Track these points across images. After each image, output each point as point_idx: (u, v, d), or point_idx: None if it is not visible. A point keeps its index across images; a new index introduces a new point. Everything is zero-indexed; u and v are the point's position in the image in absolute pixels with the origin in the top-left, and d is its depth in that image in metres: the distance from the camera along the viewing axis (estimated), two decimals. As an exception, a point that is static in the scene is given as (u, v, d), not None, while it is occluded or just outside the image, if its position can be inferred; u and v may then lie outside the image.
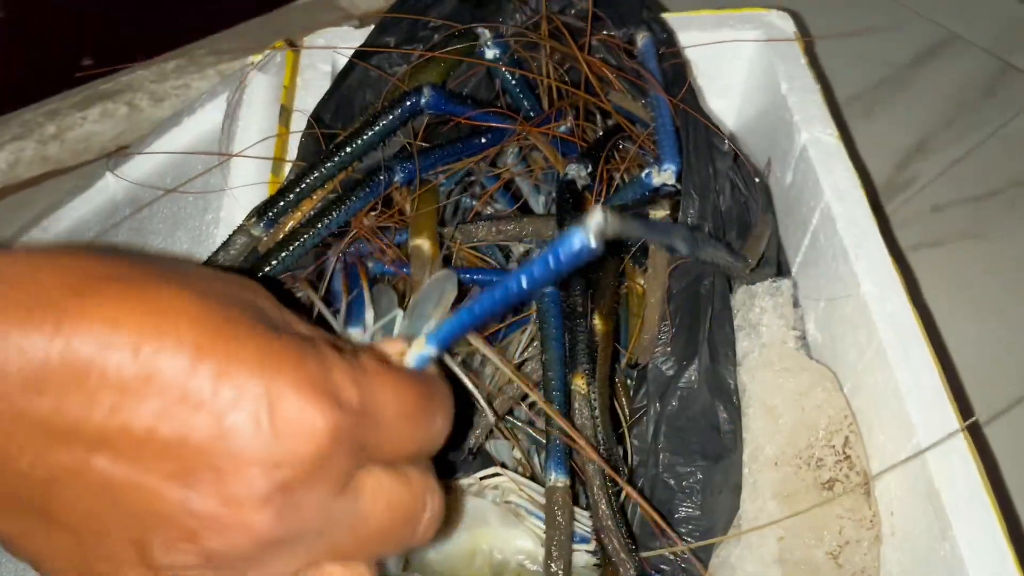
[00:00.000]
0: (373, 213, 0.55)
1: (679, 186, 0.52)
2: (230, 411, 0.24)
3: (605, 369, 0.47)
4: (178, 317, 0.24)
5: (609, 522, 0.44)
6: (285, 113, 0.62)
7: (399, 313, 0.47)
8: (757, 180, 0.63)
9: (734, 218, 0.55)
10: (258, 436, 0.24)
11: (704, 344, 0.49)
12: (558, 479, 0.43)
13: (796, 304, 0.59)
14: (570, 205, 0.50)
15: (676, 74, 0.56)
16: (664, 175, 0.51)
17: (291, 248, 0.49)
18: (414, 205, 0.54)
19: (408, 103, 0.53)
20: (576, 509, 0.45)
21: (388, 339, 0.34)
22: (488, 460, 0.53)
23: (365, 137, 0.53)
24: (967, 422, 0.44)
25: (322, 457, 0.25)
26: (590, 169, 0.51)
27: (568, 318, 0.47)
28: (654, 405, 0.48)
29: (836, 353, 0.54)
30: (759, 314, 0.53)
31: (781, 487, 0.48)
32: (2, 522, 0.25)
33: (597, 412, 0.46)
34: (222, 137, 0.62)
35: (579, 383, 0.46)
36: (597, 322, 0.48)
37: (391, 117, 0.53)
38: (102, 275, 0.24)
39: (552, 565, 0.43)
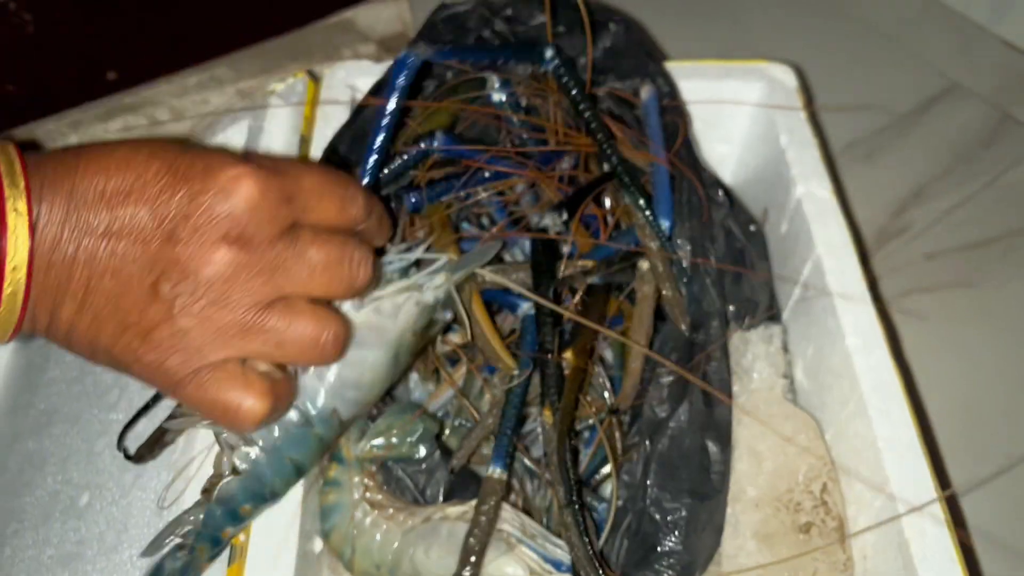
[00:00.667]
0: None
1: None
2: (185, 182, 0.37)
3: (570, 402, 0.50)
4: (147, 163, 0.37)
5: (579, 552, 0.47)
6: (304, 143, 0.64)
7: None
8: (753, 228, 0.65)
9: (728, 265, 0.58)
10: (207, 193, 0.36)
11: (697, 388, 0.51)
12: (495, 471, 0.49)
13: (786, 349, 0.62)
14: (543, 251, 0.53)
15: (676, 127, 0.58)
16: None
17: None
18: (432, 226, 0.57)
19: (419, 149, 0.56)
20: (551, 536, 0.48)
21: None
22: (474, 480, 0.56)
23: (381, 175, 0.56)
24: (945, 492, 0.46)
25: (254, 197, 0.37)
26: (565, 217, 0.54)
27: (541, 352, 0.51)
28: (644, 443, 0.51)
29: (822, 400, 0.57)
30: (751, 360, 0.55)
31: (761, 527, 0.51)
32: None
33: (554, 441, 0.49)
34: (242, 162, 0.65)
35: (547, 415, 0.49)
36: (568, 358, 0.51)
37: (403, 161, 0.56)
38: (89, 154, 0.38)
39: (471, 539, 0.47)
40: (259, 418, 0.39)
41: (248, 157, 0.38)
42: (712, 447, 0.50)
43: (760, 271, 0.60)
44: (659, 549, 0.49)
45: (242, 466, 0.46)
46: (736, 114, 0.70)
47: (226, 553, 0.47)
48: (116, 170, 0.36)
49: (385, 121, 0.54)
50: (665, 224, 0.53)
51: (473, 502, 0.51)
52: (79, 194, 0.36)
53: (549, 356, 0.50)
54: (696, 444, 0.50)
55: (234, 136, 0.68)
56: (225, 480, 0.47)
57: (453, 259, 0.52)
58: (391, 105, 0.54)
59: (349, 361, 0.47)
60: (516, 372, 0.51)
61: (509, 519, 0.51)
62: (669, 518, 0.48)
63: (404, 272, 0.50)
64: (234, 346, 0.38)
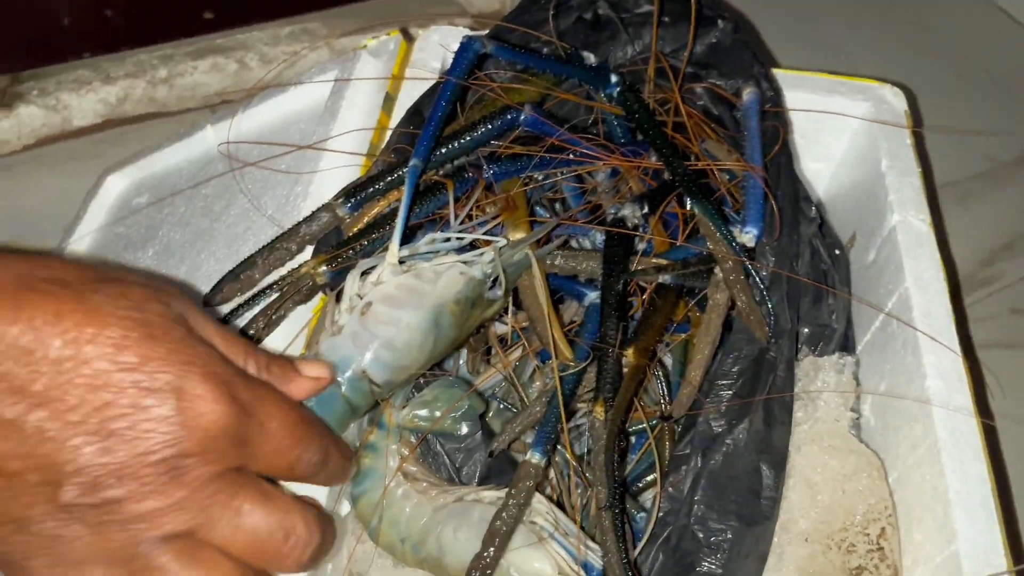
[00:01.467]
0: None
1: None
2: (145, 393, 0.31)
3: (624, 401, 0.47)
4: (106, 318, 0.31)
5: (613, 558, 0.44)
6: (389, 101, 0.63)
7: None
8: (838, 252, 0.62)
9: (810, 286, 0.55)
10: (164, 413, 0.31)
11: (759, 407, 0.49)
12: (533, 456, 0.46)
13: (856, 382, 0.58)
14: (617, 243, 0.50)
15: (775, 133, 0.55)
16: (744, 237, 0.51)
17: (371, 238, 0.50)
18: (507, 203, 0.55)
19: (507, 117, 0.54)
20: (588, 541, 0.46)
21: (313, 360, 0.43)
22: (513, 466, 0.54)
23: (461, 142, 0.54)
24: (1017, 568, 0.43)
25: (212, 435, 0.32)
26: (645, 211, 0.51)
27: (596, 347, 0.48)
28: (696, 458, 0.48)
29: (888, 440, 0.54)
30: (820, 388, 0.52)
31: (807, 564, 0.48)
32: None
33: (603, 439, 0.46)
34: (325, 113, 0.64)
35: (598, 411, 0.47)
36: (629, 355, 0.49)
37: (488, 128, 0.54)
38: (51, 278, 0.32)
39: (497, 522, 0.44)
40: None
41: (223, 370, 0.34)
42: (766, 471, 0.48)
43: (841, 297, 0.57)
44: (697, 569, 0.46)
45: None
46: (838, 132, 0.67)
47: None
48: (65, 341, 0.31)
49: (442, 103, 0.53)
50: (752, 232, 0.51)
51: (508, 489, 0.50)
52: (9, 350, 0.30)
53: (610, 349, 0.48)
54: (750, 465, 0.47)
55: (320, 87, 0.67)
56: None
57: (508, 241, 0.50)
58: (445, 91, 0.52)
59: (382, 318, 0.45)
60: (571, 361, 0.49)
61: (544, 512, 0.49)
62: (712, 539, 0.46)
63: (458, 252, 0.49)
64: (111, 572, 0.32)
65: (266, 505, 0.35)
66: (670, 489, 0.50)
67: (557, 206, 0.62)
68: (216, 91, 0.97)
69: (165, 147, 0.78)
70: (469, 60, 0.54)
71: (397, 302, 0.46)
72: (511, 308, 0.54)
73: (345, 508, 0.50)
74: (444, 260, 0.48)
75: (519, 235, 0.52)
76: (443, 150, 0.53)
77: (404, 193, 0.49)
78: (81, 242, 0.75)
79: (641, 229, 0.55)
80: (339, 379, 0.45)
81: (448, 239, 0.49)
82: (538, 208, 0.63)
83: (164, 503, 0.32)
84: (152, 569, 0.32)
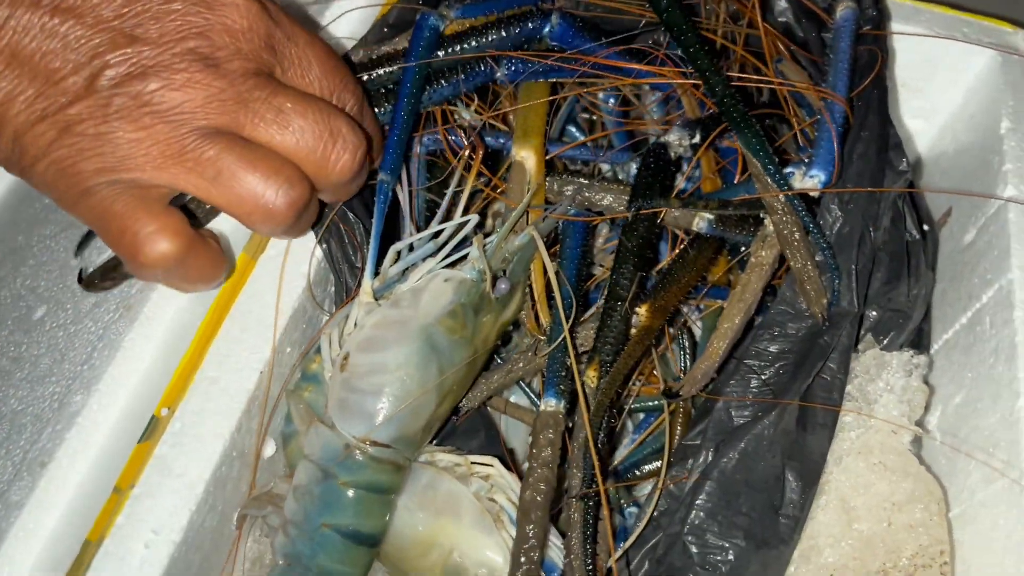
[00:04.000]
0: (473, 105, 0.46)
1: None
2: None
3: (625, 367, 0.38)
4: None
5: (576, 548, 0.35)
6: None
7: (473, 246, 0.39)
8: (926, 228, 0.50)
9: (885, 259, 0.43)
10: (192, 8, 0.32)
11: (797, 400, 0.38)
12: (548, 403, 0.38)
13: (928, 390, 0.47)
14: (651, 174, 0.40)
15: (871, 62, 0.44)
16: (808, 182, 0.40)
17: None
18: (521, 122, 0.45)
19: (529, 26, 0.44)
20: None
21: None
22: (493, 439, 0.44)
23: (465, 46, 0.44)
24: None
25: (243, 31, 0.32)
26: (696, 140, 0.41)
27: (609, 296, 0.38)
28: (706, 452, 0.38)
29: (954, 467, 0.43)
30: (881, 390, 0.41)
31: (827, 607, 0.37)
32: None
33: (600, 411, 0.37)
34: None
35: (590, 375, 0.38)
36: (641, 312, 0.38)
37: (503, 34, 0.44)
38: None
39: (527, 493, 0.36)
40: (159, 258, 0.32)
41: None
42: (792, 482, 0.37)
43: (924, 281, 0.46)
44: (683, 595, 0.36)
45: (279, 555, 0.37)
46: (949, 82, 0.55)
47: (142, 426, 0.37)
48: None
49: (405, 97, 0.42)
50: (819, 177, 0.40)
51: (472, 457, 0.40)
52: None
53: (618, 303, 0.38)
54: (772, 472, 0.37)
55: None
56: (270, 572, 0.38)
57: (480, 220, 0.41)
58: (407, 80, 0.42)
59: (363, 369, 0.37)
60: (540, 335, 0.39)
61: (508, 490, 0.39)
62: (709, 556, 0.36)
63: (434, 253, 0.40)
64: (164, 169, 0.31)
65: (309, 104, 0.33)
66: (671, 485, 0.40)
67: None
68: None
69: None
70: (427, 39, 0.43)
71: (377, 344, 0.37)
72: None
73: (270, 449, 0.41)
74: (420, 272, 0.39)
75: (526, 154, 0.42)
76: (455, 47, 0.43)
77: (375, 215, 0.39)
78: None
79: (685, 163, 0.44)
80: (325, 467, 0.36)
81: (413, 246, 0.39)
82: (571, 127, 0.52)
83: (202, 92, 0.31)
84: (203, 162, 0.31)
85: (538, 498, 0.35)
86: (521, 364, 0.41)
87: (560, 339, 0.39)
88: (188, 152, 0.31)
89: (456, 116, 0.46)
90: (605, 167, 0.49)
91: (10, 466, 0.40)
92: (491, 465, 0.40)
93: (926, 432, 0.44)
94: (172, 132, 0.31)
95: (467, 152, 0.44)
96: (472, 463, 0.40)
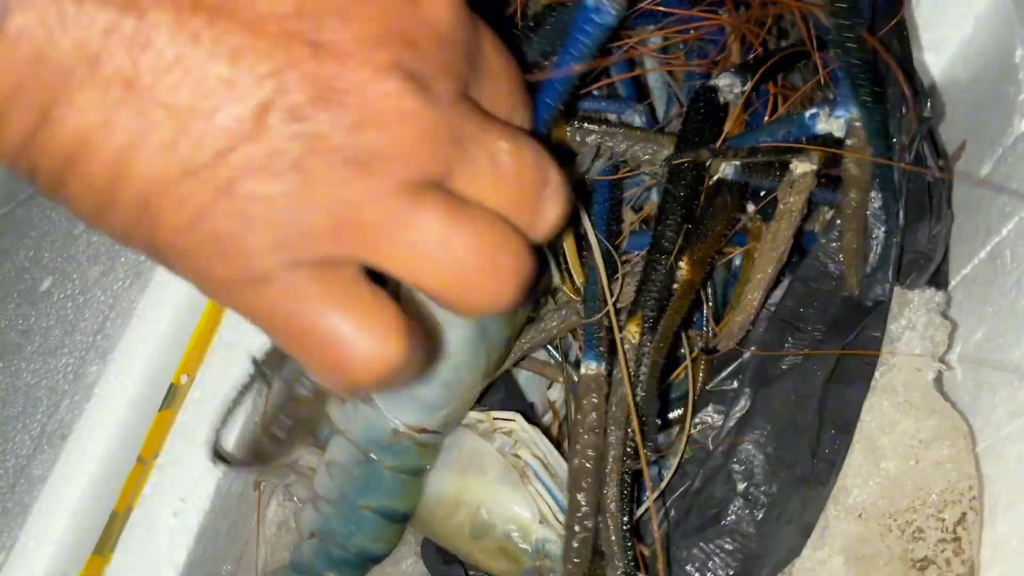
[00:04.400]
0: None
1: (846, 140, 0.40)
2: None
3: (672, 323, 0.37)
4: None
5: (612, 503, 0.35)
6: None
7: None
8: (941, 163, 0.50)
9: (907, 199, 0.43)
10: (392, 4, 0.22)
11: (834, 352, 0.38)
12: (588, 367, 0.37)
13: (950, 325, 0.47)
14: (702, 119, 0.39)
15: (890, 3, 0.43)
16: (833, 123, 0.39)
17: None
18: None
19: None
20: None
21: None
22: (513, 394, 0.44)
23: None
24: None
25: (448, 34, 0.23)
26: (744, 87, 0.40)
27: (652, 250, 0.38)
28: (745, 396, 0.38)
29: (978, 402, 0.42)
30: (903, 328, 0.41)
31: (857, 546, 0.37)
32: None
33: (644, 373, 0.36)
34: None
35: (632, 330, 0.37)
36: (683, 266, 0.38)
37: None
38: None
39: (575, 460, 0.35)
40: (382, 368, 0.22)
41: None
42: (829, 428, 0.37)
43: (944, 220, 0.45)
44: (722, 522, 0.36)
45: (308, 529, 0.37)
46: (960, 14, 0.54)
47: (161, 393, 0.36)
48: None
49: None
50: (843, 117, 0.39)
51: (494, 413, 0.40)
52: None
53: (663, 257, 0.37)
54: (809, 418, 0.37)
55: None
56: (299, 544, 0.37)
57: None
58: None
59: None
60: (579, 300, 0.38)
61: (532, 445, 0.39)
62: (752, 489, 0.36)
63: None
64: (361, 240, 0.22)
65: (521, 146, 0.24)
66: (695, 430, 0.40)
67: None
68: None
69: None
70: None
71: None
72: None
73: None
74: None
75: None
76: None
77: None
78: None
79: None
80: (378, 454, 0.36)
81: None
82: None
83: (413, 130, 0.21)
84: (414, 226, 0.22)
85: (587, 464, 0.35)
86: (554, 323, 0.40)
87: (603, 312, 0.38)
88: (394, 213, 0.22)
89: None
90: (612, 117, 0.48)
91: (28, 440, 0.40)
92: (513, 420, 0.39)
93: (949, 368, 0.43)
94: (372, 185, 0.21)
95: None
96: (494, 419, 0.40)
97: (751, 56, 0.43)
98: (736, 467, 0.36)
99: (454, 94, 0.23)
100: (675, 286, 0.37)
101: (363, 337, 0.22)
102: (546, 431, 0.41)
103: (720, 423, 0.40)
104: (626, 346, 0.36)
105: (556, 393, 0.47)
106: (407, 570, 0.41)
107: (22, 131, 0.20)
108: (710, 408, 0.41)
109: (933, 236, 0.44)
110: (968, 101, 0.54)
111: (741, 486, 0.36)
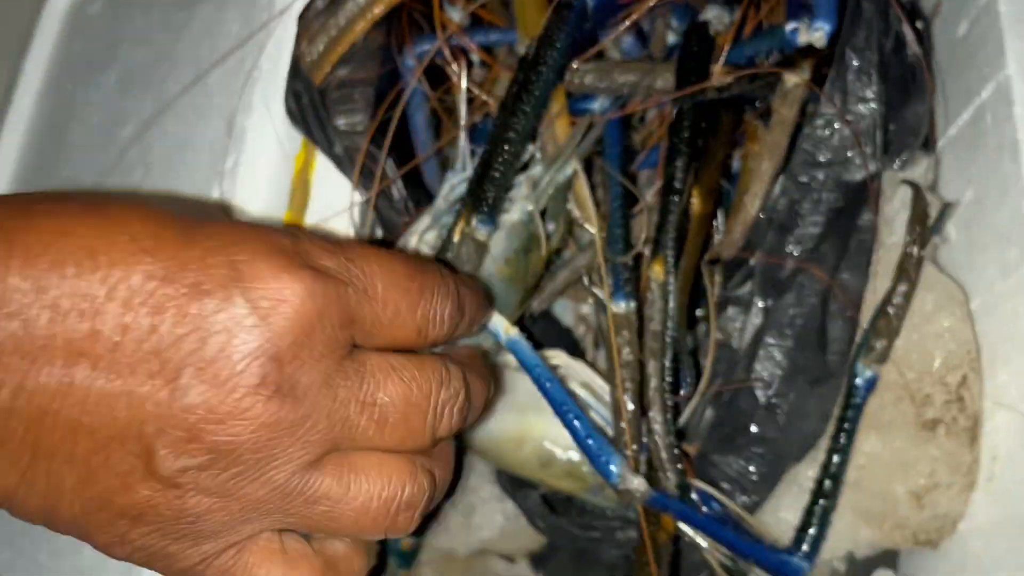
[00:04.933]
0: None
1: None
2: (196, 297, 0.24)
3: (693, 259, 0.41)
4: (126, 223, 0.24)
5: (658, 425, 0.40)
6: None
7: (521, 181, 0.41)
8: (920, 26, 0.51)
9: (892, 80, 0.45)
10: (232, 314, 0.24)
11: (835, 245, 0.41)
12: (619, 305, 0.40)
13: (933, 188, 0.50)
14: (696, 54, 0.41)
15: None
16: (814, 35, 0.41)
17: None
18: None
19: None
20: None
21: None
22: (551, 325, 0.48)
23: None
24: None
25: (304, 324, 0.25)
26: (733, 17, 0.41)
27: (663, 191, 0.41)
28: (757, 302, 0.42)
29: (972, 262, 0.46)
30: (896, 209, 0.44)
31: (874, 416, 0.43)
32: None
33: (672, 308, 0.40)
34: None
35: (657, 270, 0.40)
36: (695, 201, 0.41)
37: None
38: (44, 200, 0.25)
39: (616, 392, 0.40)
40: None
41: (287, 240, 0.26)
42: (836, 319, 0.41)
43: (927, 92, 0.47)
44: (752, 432, 0.41)
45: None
46: None
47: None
48: (80, 260, 0.23)
49: None
50: (824, 29, 0.41)
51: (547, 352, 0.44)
52: (11, 293, 0.23)
53: (675, 198, 0.40)
54: (816, 314, 0.41)
55: None
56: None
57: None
58: None
59: None
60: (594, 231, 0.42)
61: (578, 376, 0.44)
62: (773, 400, 0.40)
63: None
64: (268, 520, 0.26)
65: (399, 380, 0.27)
66: (719, 335, 0.45)
67: None
68: None
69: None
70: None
71: None
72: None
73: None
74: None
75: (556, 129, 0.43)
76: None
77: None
78: (38, 61, 0.66)
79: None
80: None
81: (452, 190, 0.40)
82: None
83: (286, 430, 0.25)
84: (316, 501, 0.26)
85: (626, 396, 0.39)
86: (581, 262, 0.43)
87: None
88: (292, 497, 0.26)
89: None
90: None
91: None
92: (557, 357, 0.44)
93: (944, 242, 0.47)
94: (265, 488, 0.26)
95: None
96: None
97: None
98: (756, 380, 0.40)
99: (325, 379, 0.25)
100: (689, 222, 0.41)
101: None
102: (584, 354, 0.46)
103: (741, 323, 0.44)
104: (655, 284, 0.40)
105: (587, 308, 0.51)
106: (486, 496, 0.47)
107: None
108: (729, 311, 0.45)
109: (919, 112, 0.47)
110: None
111: (762, 396, 0.40)
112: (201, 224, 0.25)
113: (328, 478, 0.26)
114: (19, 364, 0.23)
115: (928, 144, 0.52)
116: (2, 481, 0.24)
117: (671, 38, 0.47)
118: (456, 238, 0.37)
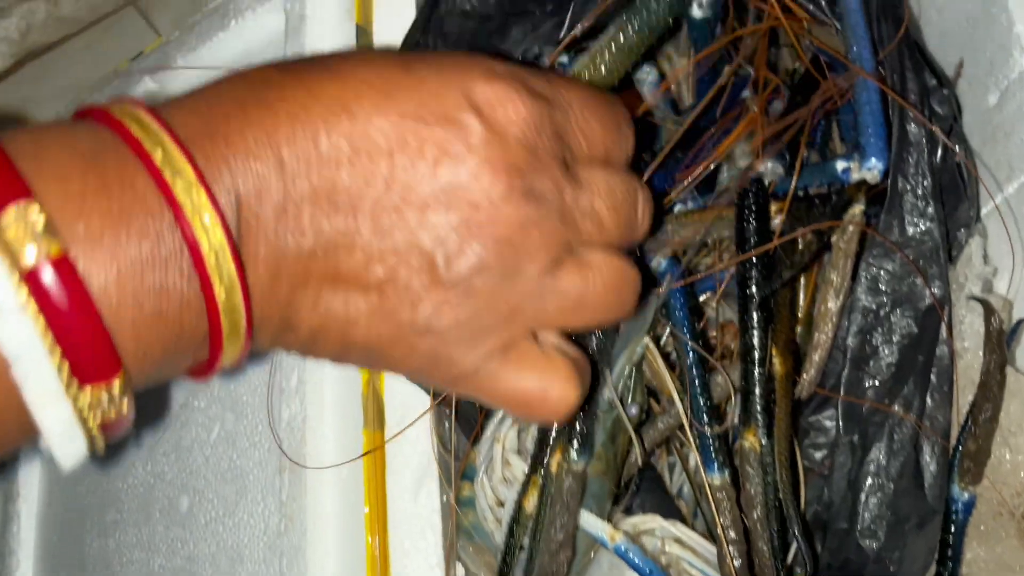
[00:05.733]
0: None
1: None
2: (442, 124, 0.27)
3: (786, 422, 0.41)
4: (356, 75, 0.27)
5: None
6: (364, 36, 0.49)
7: None
8: (945, 92, 0.50)
9: (942, 187, 0.44)
10: (474, 135, 0.27)
11: (916, 375, 0.41)
12: (713, 477, 0.41)
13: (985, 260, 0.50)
14: (753, 215, 0.40)
15: (894, 16, 0.42)
16: (867, 173, 0.40)
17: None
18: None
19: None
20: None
21: None
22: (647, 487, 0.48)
23: None
24: None
25: (531, 137, 0.28)
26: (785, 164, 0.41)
27: (743, 360, 0.40)
28: (846, 451, 0.42)
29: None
30: (963, 311, 0.44)
31: (975, 527, 0.43)
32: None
33: (780, 476, 0.40)
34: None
35: (750, 440, 0.40)
36: (776, 362, 0.41)
37: None
38: (275, 73, 0.28)
39: (725, 563, 0.40)
40: (571, 407, 0.31)
41: (501, 65, 0.29)
42: (928, 455, 0.41)
43: (971, 181, 0.47)
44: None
45: None
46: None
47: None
48: (337, 114, 0.26)
49: None
50: (877, 167, 0.40)
51: (630, 519, 0.44)
52: (291, 159, 0.26)
53: (756, 368, 0.40)
54: (912, 457, 0.41)
55: (266, 19, 0.52)
56: None
57: None
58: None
59: None
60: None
61: (674, 538, 0.43)
62: (883, 553, 0.40)
63: None
64: (527, 320, 0.30)
65: (608, 185, 0.31)
66: (806, 461, 0.45)
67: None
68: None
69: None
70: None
71: None
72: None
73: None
74: None
75: None
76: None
77: None
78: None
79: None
80: None
81: None
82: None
83: (535, 226, 0.28)
84: (560, 295, 0.30)
85: (734, 564, 0.39)
86: (667, 423, 0.43)
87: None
88: (544, 294, 0.30)
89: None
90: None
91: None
92: (652, 520, 0.43)
93: (1018, 343, 0.47)
94: (522, 285, 0.29)
95: None
96: (635, 524, 0.44)
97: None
98: (864, 540, 0.40)
99: (554, 183, 0.29)
100: (774, 384, 0.40)
101: (550, 390, 0.30)
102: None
103: (827, 454, 0.44)
104: (751, 456, 0.39)
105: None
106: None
107: (269, 338, 0.28)
108: (810, 437, 0.45)
109: (967, 208, 0.46)
110: (955, 30, 0.53)
111: (872, 552, 0.40)
112: (418, 59, 0.29)
113: (570, 275, 0.30)
114: (325, 208, 0.26)
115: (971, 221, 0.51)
116: (307, 317, 0.27)
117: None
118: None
